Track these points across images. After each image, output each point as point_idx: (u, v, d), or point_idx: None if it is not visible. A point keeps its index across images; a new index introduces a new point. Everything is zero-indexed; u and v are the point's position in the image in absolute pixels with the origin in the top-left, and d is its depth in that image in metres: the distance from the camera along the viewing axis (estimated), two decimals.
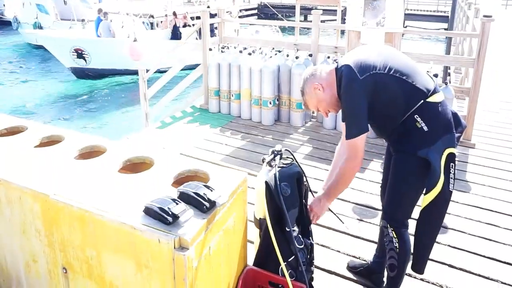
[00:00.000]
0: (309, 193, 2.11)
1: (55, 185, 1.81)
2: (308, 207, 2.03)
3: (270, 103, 4.57)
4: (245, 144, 4.08)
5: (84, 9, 15.08)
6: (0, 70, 13.39)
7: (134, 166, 2.14)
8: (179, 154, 3.69)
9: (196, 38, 13.06)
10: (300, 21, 6.63)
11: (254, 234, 2.11)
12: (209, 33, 5.21)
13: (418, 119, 1.73)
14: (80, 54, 12.01)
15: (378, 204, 2.86)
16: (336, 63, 1.87)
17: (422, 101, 1.72)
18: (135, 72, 12.57)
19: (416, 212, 1.88)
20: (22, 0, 18.74)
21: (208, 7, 15.19)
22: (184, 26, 14.65)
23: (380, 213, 2.54)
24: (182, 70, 5.47)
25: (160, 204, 1.61)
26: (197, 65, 5.25)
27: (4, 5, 21.07)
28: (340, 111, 1.87)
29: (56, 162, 2.05)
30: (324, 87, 1.85)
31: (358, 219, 2.87)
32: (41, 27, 15.76)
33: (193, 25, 13.85)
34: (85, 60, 12.16)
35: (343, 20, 4.80)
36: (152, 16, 17.55)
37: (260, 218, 2.04)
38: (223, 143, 4.10)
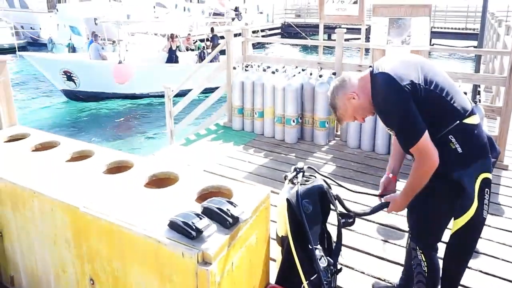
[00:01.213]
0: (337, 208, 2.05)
1: (84, 199, 1.88)
2: (383, 199, 1.94)
3: (293, 121, 4.59)
4: (268, 162, 4.10)
5: (115, 30, 15.79)
6: (36, 90, 14.12)
7: (160, 181, 2.19)
8: (203, 170, 3.73)
9: (197, 62, 13.03)
10: (324, 40, 6.71)
11: (276, 251, 2.09)
12: (234, 52, 5.33)
13: (453, 139, 1.64)
14: (69, 77, 11.89)
15: (404, 225, 2.79)
16: (370, 68, 1.78)
17: (458, 121, 1.64)
18: (124, 96, 12.42)
19: (446, 235, 1.82)
20: (57, 22, 19.91)
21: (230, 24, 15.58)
22: (187, 49, 14.33)
23: (406, 234, 2.47)
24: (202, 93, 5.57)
25: (184, 219, 1.63)
26: (215, 88, 5.37)
27: (40, 28, 22.40)
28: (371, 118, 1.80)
29: (86, 176, 2.13)
30: (358, 94, 1.75)
31: (383, 240, 2.80)
32: (74, 48, 16.62)
33: (194, 49, 13.81)
34: (75, 83, 12.03)
35: (367, 39, 4.81)
36: (177, 36, 18.19)
37: (282, 236, 2.02)
38: (246, 161, 4.13)
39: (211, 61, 12.84)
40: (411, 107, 1.60)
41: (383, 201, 1.95)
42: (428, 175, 1.67)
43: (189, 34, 14.99)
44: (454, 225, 1.75)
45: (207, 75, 5.59)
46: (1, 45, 19.38)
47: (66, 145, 2.56)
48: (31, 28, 24.07)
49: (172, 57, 13.01)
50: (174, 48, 13.13)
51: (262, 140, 4.74)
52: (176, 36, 14.09)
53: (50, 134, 2.76)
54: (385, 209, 1.93)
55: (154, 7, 27.83)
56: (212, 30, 15.06)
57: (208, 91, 6.11)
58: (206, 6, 29.81)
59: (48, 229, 1.97)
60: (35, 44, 21.36)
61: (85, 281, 1.86)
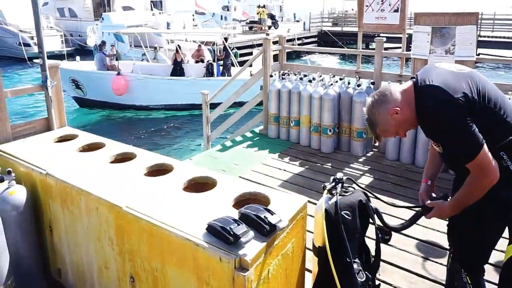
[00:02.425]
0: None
1: (127, 199, 1.96)
2: (427, 203, 1.83)
3: (330, 131, 4.53)
4: (303, 171, 4.07)
5: (156, 37, 16.40)
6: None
7: (198, 186, 2.24)
8: (238, 177, 3.78)
9: (204, 75, 12.47)
10: (362, 48, 6.60)
11: (312, 262, 2.06)
12: (271, 60, 5.37)
13: (505, 156, 1.55)
14: (77, 85, 12.47)
15: (445, 243, 2.66)
16: (413, 80, 1.68)
17: (511, 137, 1.55)
18: (125, 107, 12.61)
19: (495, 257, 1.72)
20: (102, 30, 20.98)
21: (268, 34, 15.45)
22: (198, 62, 13.49)
23: (447, 252, 2.36)
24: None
25: (222, 224, 1.66)
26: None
27: (87, 35, 23.68)
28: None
29: (128, 177, 2.22)
30: (401, 108, 1.63)
31: (423, 257, 2.68)
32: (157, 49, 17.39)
33: (204, 60, 13.28)
34: (82, 91, 12.60)
35: (408, 48, 4.69)
36: (215, 44, 18.60)
37: (319, 246, 1.99)
38: (281, 169, 4.12)
39: (222, 75, 12.92)
40: (467, 120, 1.50)
41: (427, 204, 1.83)
42: (484, 191, 1.57)
43: (199, 46, 14.08)
44: (508, 252, 1.64)
45: (241, 85, 5.64)
46: (52, 52, 20.65)
47: (110, 147, 2.68)
48: (79, 35, 25.55)
49: (176, 70, 12.62)
50: (179, 60, 12.69)
51: (297, 149, 4.72)
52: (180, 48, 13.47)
53: (95, 136, 2.90)
54: (425, 216, 1.84)
55: (193, 15, 28.72)
56: (225, 40, 14.22)
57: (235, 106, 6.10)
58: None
59: (93, 226, 2.06)
60: (82, 51, 22.58)
61: (126, 278, 1.93)
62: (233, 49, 18.82)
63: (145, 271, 1.83)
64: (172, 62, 12.73)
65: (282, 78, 5.11)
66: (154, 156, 2.54)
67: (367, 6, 5.23)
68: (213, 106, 5.59)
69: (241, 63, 19.18)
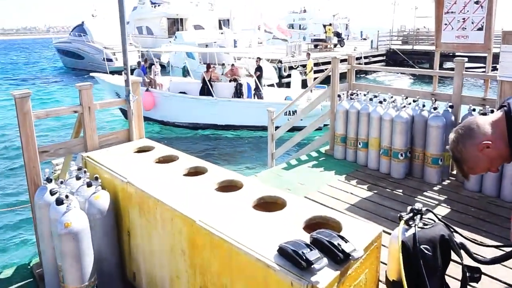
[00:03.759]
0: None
1: (200, 212, 2.02)
2: None
3: (401, 155, 4.30)
4: (371, 196, 3.88)
5: (223, 54, 17.13)
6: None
7: (267, 205, 2.24)
8: (304, 197, 3.72)
9: (233, 96, 12.20)
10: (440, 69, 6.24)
11: None
12: (338, 79, 5.29)
13: None
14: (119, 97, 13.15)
15: None
16: (503, 108, 1.53)
17: None
18: (156, 121, 12.91)
19: None
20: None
21: (326, 48, 15.21)
22: (231, 80, 13.11)
23: None
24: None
25: (295, 247, 1.63)
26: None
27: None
28: None
29: (201, 191, 2.30)
30: (493, 141, 1.50)
31: None
32: (188, 70, 18.43)
33: (238, 80, 12.97)
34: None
35: (494, 68, 4.33)
36: (281, 61, 18.88)
37: (393, 280, 1.87)
38: (348, 192, 3.98)
39: (256, 96, 12.67)
40: None
41: None
42: None
43: (233, 65, 13.81)
44: None
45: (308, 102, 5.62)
46: (130, 66, 22.54)
47: (184, 160, 2.81)
48: None
49: (203, 88, 12.54)
50: (207, 78, 12.57)
51: (365, 172, 4.53)
52: (213, 67, 13.44)
53: (170, 149, 3.06)
54: None
55: (259, 28, 29.56)
56: (258, 59, 13.89)
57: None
58: (308, 32, 30.54)
59: (167, 236, 2.16)
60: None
61: None
62: (297, 67, 18.97)
63: (215, 286, 1.85)
64: (202, 81, 12.75)
65: (351, 98, 4.99)
66: (224, 172, 2.61)
67: (446, 24, 4.95)
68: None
69: (305, 81, 19.19)
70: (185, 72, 19.31)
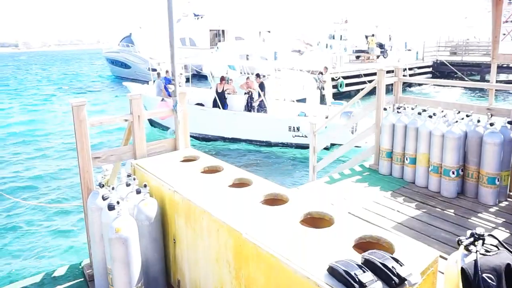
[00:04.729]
0: None
1: (246, 225, 2.01)
2: None
3: (453, 173, 4.06)
4: (420, 215, 3.69)
5: (264, 65, 17.30)
6: None
7: (314, 220, 2.19)
8: (347, 212, 3.61)
9: (244, 109, 12.06)
10: (486, 81, 5.87)
11: None
12: (384, 92, 5.13)
13: None
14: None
15: None
16: None
17: None
18: (168, 129, 12.83)
19: None
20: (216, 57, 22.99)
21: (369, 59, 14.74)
22: (247, 93, 12.71)
23: None
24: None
25: (346, 268, 1.57)
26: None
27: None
28: None
29: (246, 203, 2.29)
30: None
31: None
32: (228, 81, 18.77)
33: (253, 93, 12.53)
34: None
35: None
36: (321, 73, 18.72)
37: None
38: (394, 209, 3.81)
39: (259, 110, 12.37)
40: None
41: None
42: None
43: (248, 78, 13.30)
44: None
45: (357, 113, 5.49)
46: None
47: (229, 171, 2.82)
48: None
49: (215, 101, 12.38)
50: (220, 90, 12.35)
51: (413, 189, 4.33)
52: (226, 79, 13.18)
53: (215, 159, 3.10)
54: None
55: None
56: (257, 76, 13.43)
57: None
58: (349, 43, 30.13)
59: (212, 246, 2.16)
60: (199, 76, 25.00)
61: None
62: (338, 78, 18.72)
63: None
64: (215, 92, 12.58)
65: (397, 112, 4.81)
66: (269, 184, 2.59)
67: (504, 34, 4.68)
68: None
69: (346, 94, 18.91)
70: (226, 82, 19.71)
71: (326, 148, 10.80)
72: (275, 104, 13.20)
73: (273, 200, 2.41)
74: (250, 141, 12.27)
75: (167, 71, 14.44)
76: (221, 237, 2.10)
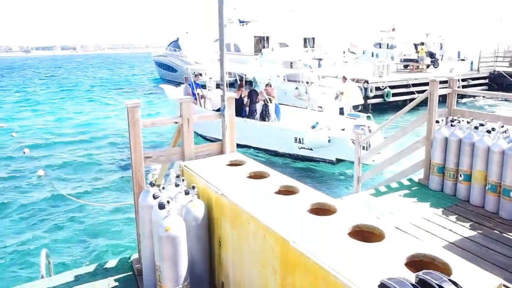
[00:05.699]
0: None
1: (293, 233, 1.99)
2: None
3: None
4: (475, 236, 3.46)
5: (308, 73, 17.20)
6: None
7: (362, 233, 2.13)
8: (394, 227, 3.47)
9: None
10: None
11: None
12: (436, 104, 4.90)
13: None
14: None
15: None
16: None
17: None
18: (195, 132, 12.94)
19: None
20: (260, 63, 23.19)
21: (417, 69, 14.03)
22: (262, 101, 12.31)
23: None
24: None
25: (399, 286, 1.51)
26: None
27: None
28: None
29: (293, 211, 2.27)
30: None
31: None
32: (270, 86, 18.86)
33: (272, 101, 12.23)
34: None
35: None
36: (367, 82, 18.27)
37: None
38: (446, 228, 3.61)
39: (248, 117, 11.89)
40: None
41: None
42: None
43: (267, 84, 12.98)
44: None
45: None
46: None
47: (275, 178, 2.82)
48: None
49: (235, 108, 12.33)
50: (237, 97, 11.92)
51: (467, 208, 4.08)
52: (245, 85, 12.97)
53: (260, 165, 3.11)
54: None
55: (344, 52, 29.16)
56: (250, 84, 13.40)
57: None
58: (397, 52, 29.17)
59: (258, 251, 2.17)
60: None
61: None
62: (385, 88, 18.16)
63: None
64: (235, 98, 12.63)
65: (451, 125, 4.57)
66: (316, 193, 2.55)
67: None
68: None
69: (393, 103, 18.28)
70: None
71: (332, 163, 10.38)
72: (295, 112, 13.03)
73: (320, 210, 2.38)
74: (258, 149, 12.15)
75: (196, 75, 14.96)
76: (267, 243, 2.09)
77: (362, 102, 16.80)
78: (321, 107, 14.35)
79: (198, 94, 14.08)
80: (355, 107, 15.31)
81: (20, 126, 17.33)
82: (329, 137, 10.18)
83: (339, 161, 10.42)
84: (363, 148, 9.99)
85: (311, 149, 10.64)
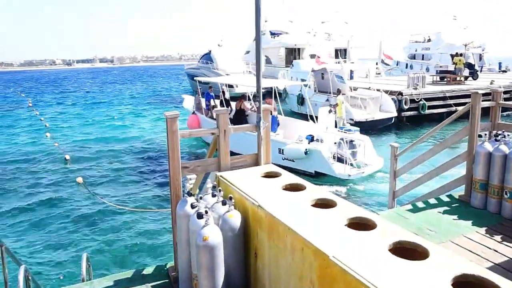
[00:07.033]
0: None
1: (332, 248, 1.96)
2: None
3: None
4: None
5: (339, 84, 17.05)
6: None
7: (404, 250, 2.07)
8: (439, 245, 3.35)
9: None
10: None
11: None
12: (479, 117, 4.71)
13: None
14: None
15: None
16: None
17: None
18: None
19: None
20: (291, 75, 23.23)
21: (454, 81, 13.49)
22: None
23: None
24: None
25: None
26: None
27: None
28: None
29: (331, 225, 2.24)
30: None
31: None
32: (303, 97, 18.81)
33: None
34: None
35: None
36: (401, 94, 17.84)
37: None
38: (490, 248, 3.44)
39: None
40: None
41: None
42: None
43: (267, 97, 13.40)
44: None
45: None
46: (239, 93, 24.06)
47: (311, 190, 2.80)
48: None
49: (230, 120, 12.40)
50: (237, 108, 12.69)
51: None
52: (246, 98, 13.44)
53: (296, 177, 3.10)
54: None
55: (376, 63, 28.70)
56: (223, 93, 14.30)
57: None
58: (433, 63, 28.35)
59: (296, 264, 2.16)
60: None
61: None
62: (420, 100, 17.65)
63: None
64: (235, 110, 12.86)
65: (495, 140, 4.37)
66: (354, 207, 2.51)
67: None
68: None
69: (429, 116, 17.69)
70: (299, 100, 19.78)
71: (311, 176, 10.18)
72: (291, 122, 13.11)
73: (359, 224, 2.34)
74: None
75: (210, 87, 15.27)
76: (305, 257, 2.08)
77: (396, 114, 16.39)
78: (352, 120, 14.13)
79: (210, 105, 14.62)
80: (388, 120, 14.96)
81: (62, 135, 18.35)
82: (306, 149, 10.16)
83: (318, 174, 10.25)
84: (342, 161, 9.83)
85: (293, 161, 10.70)
